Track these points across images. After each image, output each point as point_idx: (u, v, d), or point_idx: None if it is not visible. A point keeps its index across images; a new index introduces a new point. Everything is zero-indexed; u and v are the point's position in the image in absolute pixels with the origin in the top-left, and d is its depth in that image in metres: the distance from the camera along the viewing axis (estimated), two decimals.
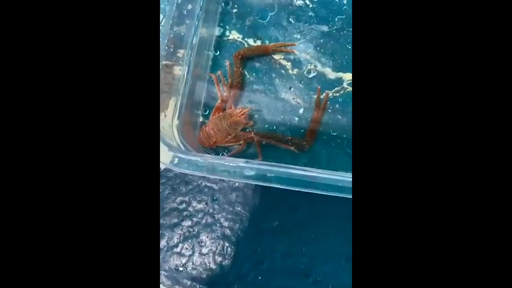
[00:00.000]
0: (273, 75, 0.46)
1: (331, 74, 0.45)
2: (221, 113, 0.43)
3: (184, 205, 0.46)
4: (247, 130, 0.43)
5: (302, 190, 0.34)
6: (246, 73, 0.46)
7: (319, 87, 0.44)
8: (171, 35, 0.39)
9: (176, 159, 0.34)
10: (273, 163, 0.35)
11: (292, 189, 0.34)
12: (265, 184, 0.35)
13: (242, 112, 0.42)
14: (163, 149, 0.34)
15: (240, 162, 0.34)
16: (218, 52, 0.47)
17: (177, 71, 0.40)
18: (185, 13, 0.40)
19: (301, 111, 0.45)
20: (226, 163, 0.33)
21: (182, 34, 0.39)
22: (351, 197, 0.33)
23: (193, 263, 0.44)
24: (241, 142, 0.42)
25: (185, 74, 0.41)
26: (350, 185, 0.33)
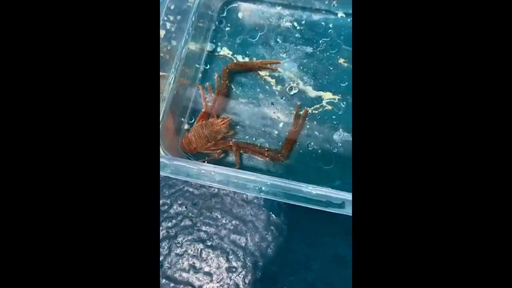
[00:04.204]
0: (258, 90, 0.49)
1: (312, 93, 0.47)
2: (203, 121, 0.46)
3: (165, 207, 0.48)
4: (227, 139, 0.46)
5: (269, 198, 0.36)
6: (232, 86, 0.49)
7: (298, 103, 0.47)
8: (162, 47, 0.43)
9: None
10: (237, 170, 0.37)
11: (261, 196, 0.36)
12: (231, 189, 0.37)
13: (223, 122, 0.45)
14: None
15: (211, 167, 0.37)
16: (208, 66, 0.50)
17: (163, 79, 0.43)
18: (173, 30, 0.44)
19: (280, 125, 0.47)
20: (192, 167, 0.35)
21: (169, 48, 0.43)
22: (319, 208, 0.35)
23: (168, 263, 0.46)
24: (218, 150, 0.45)
25: (171, 82, 0.44)
26: (321, 198, 0.35)
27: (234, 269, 0.45)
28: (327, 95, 0.47)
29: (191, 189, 0.48)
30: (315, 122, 0.46)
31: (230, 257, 0.45)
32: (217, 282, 0.45)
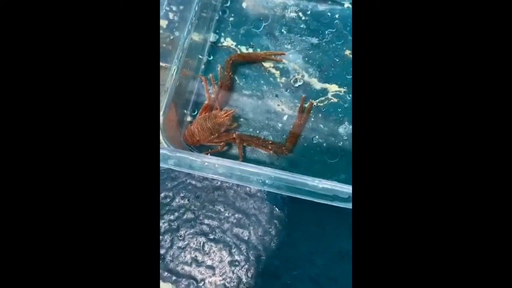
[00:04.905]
0: (262, 81, 0.48)
1: (317, 85, 0.47)
2: (207, 114, 0.45)
3: (168, 200, 0.48)
4: (230, 131, 0.45)
5: (273, 191, 0.35)
6: (236, 78, 0.48)
7: (303, 95, 0.46)
8: (164, 37, 0.42)
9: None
10: (241, 163, 0.36)
11: (260, 188, 0.36)
12: (234, 182, 0.37)
13: (226, 114, 0.44)
14: None
15: (214, 159, 0.36)
16: (212, 57, 0.49)
17: (166, 71, 0.42)
18: (176, 20, 0.43)
19: (285, 118, 0.46)
20: (195, 159, 0.35)
21: (172, 38, 0.42)
22: (325, 202, 0.34)
23: (170, 256, 0.46)
24: (222, 143, 0.44)
25: (174, 74, 0.43)
26: (327, 192, 0.34)
27: (236, 263, 0.45)
28: (333, 88, 0.46)
29: (193, 182, 0.48)
30: (320, 115, 0.46)
31: (233, 250, 0.45)
32: (220, 276, 0.44)
